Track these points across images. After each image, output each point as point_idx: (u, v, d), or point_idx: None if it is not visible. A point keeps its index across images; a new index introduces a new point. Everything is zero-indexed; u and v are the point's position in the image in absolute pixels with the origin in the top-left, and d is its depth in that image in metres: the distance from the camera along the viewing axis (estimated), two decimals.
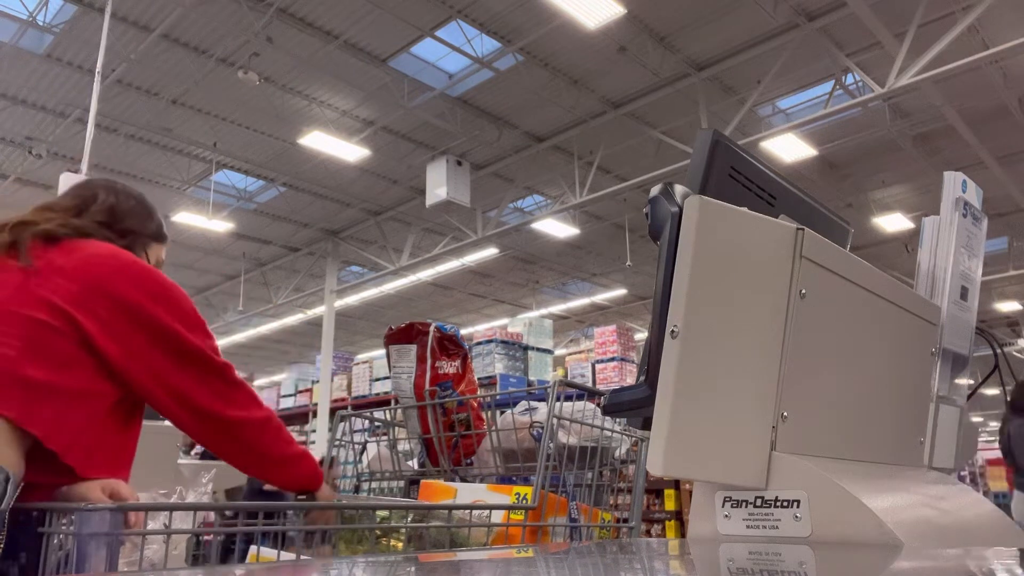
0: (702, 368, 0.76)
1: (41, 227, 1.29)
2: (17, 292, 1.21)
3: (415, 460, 1.85)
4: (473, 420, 1.71)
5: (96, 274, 1.26)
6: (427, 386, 1.70)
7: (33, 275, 1.23)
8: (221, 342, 18.59)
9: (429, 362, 1.72)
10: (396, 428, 1.90)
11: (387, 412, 1.93)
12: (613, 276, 15.75)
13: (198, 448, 4.39)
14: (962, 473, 9.99)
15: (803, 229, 0.82)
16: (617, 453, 1.66)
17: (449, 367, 1.73)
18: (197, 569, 1.07)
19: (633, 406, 0.89)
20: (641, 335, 12.88)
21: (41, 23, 7.94)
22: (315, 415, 11.53)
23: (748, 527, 0.79)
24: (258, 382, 14.73)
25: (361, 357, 12.26)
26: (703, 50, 8.53)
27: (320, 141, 9.84)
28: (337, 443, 1.91)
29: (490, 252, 13.93)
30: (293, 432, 13.11)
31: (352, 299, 16.32)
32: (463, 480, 1.67)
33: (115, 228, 1.41)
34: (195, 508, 1.08)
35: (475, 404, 1.73)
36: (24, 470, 1.13)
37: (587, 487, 1.59)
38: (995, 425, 23.48)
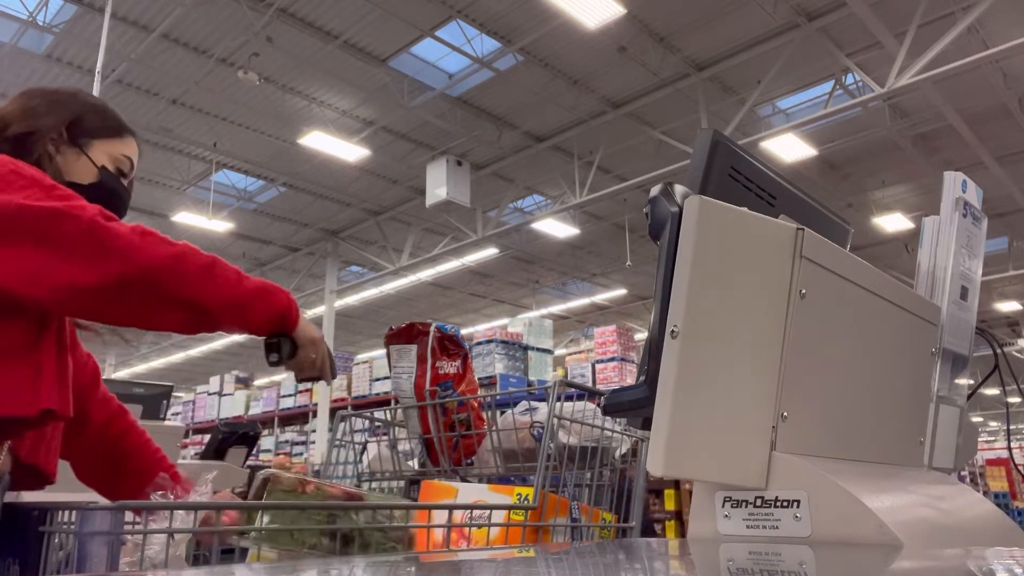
0: (702, 368, 0.76)
1: None
2: None
3: (415, 460, 1.85)
4: (473, 420, 1.71)
5: None
6: (427, 386, 1.70)
7: None
8: (221, 342, 18.59)
9: (429, 362, 1.72)
10: (396, 428, 1.90)
11: (387, 412, 1.93)
12: (613, 276, 15.75)
13: (197, 449, 4.40)
14: (962, 473, 9.99)
15: (803, 229, 0.82)
16: (618, 453, 1.66)
17: (449, 367, 1.73)
18: (197, 569, 1.07)
19: (633, 406, 0.89)
20: (641, 335, 12.88)
21: (41, 23, 7.95)
22: (315, 415, 11.53)
23: (748, 527, 0.79)
24: (258, 382, 14.72)
25: (361, 357, 12.26)
26: (703, 50, 8.53)
27: (320, 141, 9.84)
28: (337, 443, 1.91)
29: (490, 252, 13.93)
30: (292, 432, 13.09)
31: (352, 299, 16.32)
32: (464, 480, 1.67)
33: (6, 140, 1.18)
34: (195, 507, 1.08)
35: (475, 404, 1.73)
36: (9, 466, 1.09)
37: (588, 487, 1.59)
38: (995, 425, 23.47)
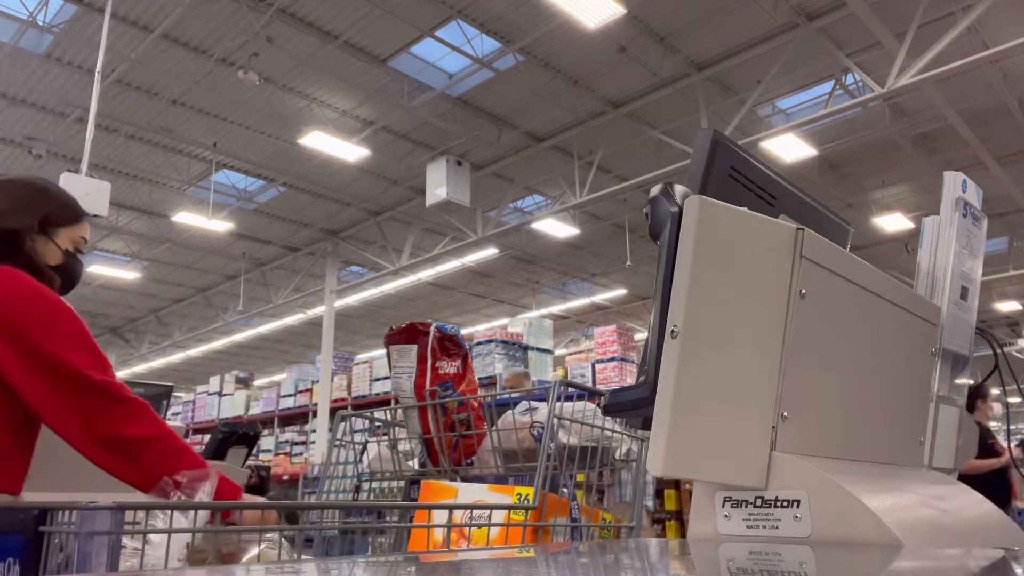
0: (702, 368, 0.76)
1: None
2: None
3: (415, 460, 1.85)
4: (474, 420, 1.71)
5: None
6: (428, 386, 1.70)
7: None
8: (221, 342, 18.68)
9: (429, 362, 1.72)
10: (396, 428, 1.90)
11: (387, 412, 1.93)
12: (613, 276, 15.75)
13: (198, 449, 4.40)
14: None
15: (803, 229, 0.82)
16: (618, 453, 1.66)
17: (450, 367, 1.73)
18: (197, 569, 1.07)
19: (633, 406, 0.89)
20: (641, 335, 12.89)
21: (41, 23, 7.94)
22: (315, 415, 11.53)
23: (748, 527, 0.79)
24: (258, 382, 14.72)
25: (361, 357, 12.26)
26: (703, 50, 8.53)
27: (320, 141, 9.84)
28: (337, 443, 1.91)
29: (490, 252, 13.93)
30: (292, 432, 13.10)
31: (352, 299, 16.32)
32: (464, 480, 1.67)
33: None
34: (195, 507, 1.08)
35: (475, 404, 1.73)
36: None
37: (588, 487, 1.59)
38: (995, 425, 23.47)
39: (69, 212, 1.61)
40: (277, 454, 12.14)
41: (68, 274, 1.59)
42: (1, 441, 1.38)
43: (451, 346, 1.75)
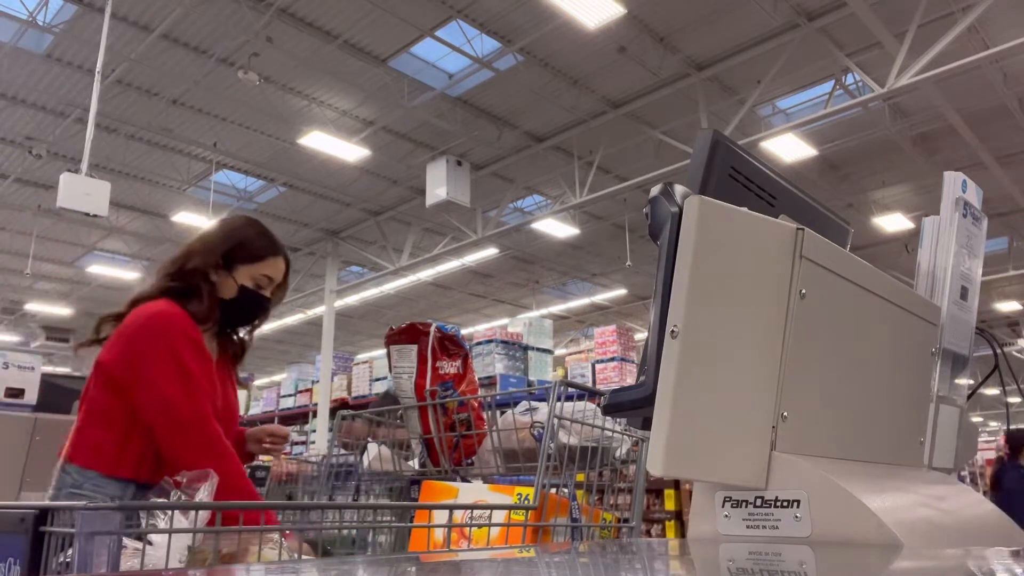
0: (702, 368, 0.76)
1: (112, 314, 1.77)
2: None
3: (415, 460, 1.85)
4: (474, 420, 1.71)
5: (123, 332, 1.68)
6: (428, 386, 1.70)
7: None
8: None
9: (430, 362, 1.72)
10: (396, 428, 1.90)
11: (387, 412, 1.93)
12: (613, 276, 15.75)
13: None
14: (962, 473, 9.99)
15: (803, 229, 0.82)
16: (618, 453, 1.66)
17: (450, 367, 1.73)
18: (197, 569, 1.07)
19: (633, 406, 0.89)
20: (641, 335, 12.88)
21: (41, 23, 7.94)
22: (315, 415, 11.52)
23: (748, 527, 0.79)
24: (258, 382, 14.72)
25: (361, 357, 12.25)
26: (703, 50, 8.53)
27: (320, 141, 9.83)
28: (338, 443, 1.91)
29: (490, 252, 13.93)
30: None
31: (352, 299, 16.31)
32: (464, 480, 1.67)
33: (179, 276, 1.75)
34: (196, 507, 1.08)
35: (475, 404, 1.73)
36: None
37: (588, 487, 1.59)
38: (995, 425, 23.46)
39: (248, 251, 1.80)
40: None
41: (240, 307, 1.80)
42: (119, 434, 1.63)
43: (451, 346, 1.76)
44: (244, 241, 1.81)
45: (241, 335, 1.90)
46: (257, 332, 1.93)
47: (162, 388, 1.61)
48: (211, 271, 1.76)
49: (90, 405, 1.68)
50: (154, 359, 1.63)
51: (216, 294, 1.76)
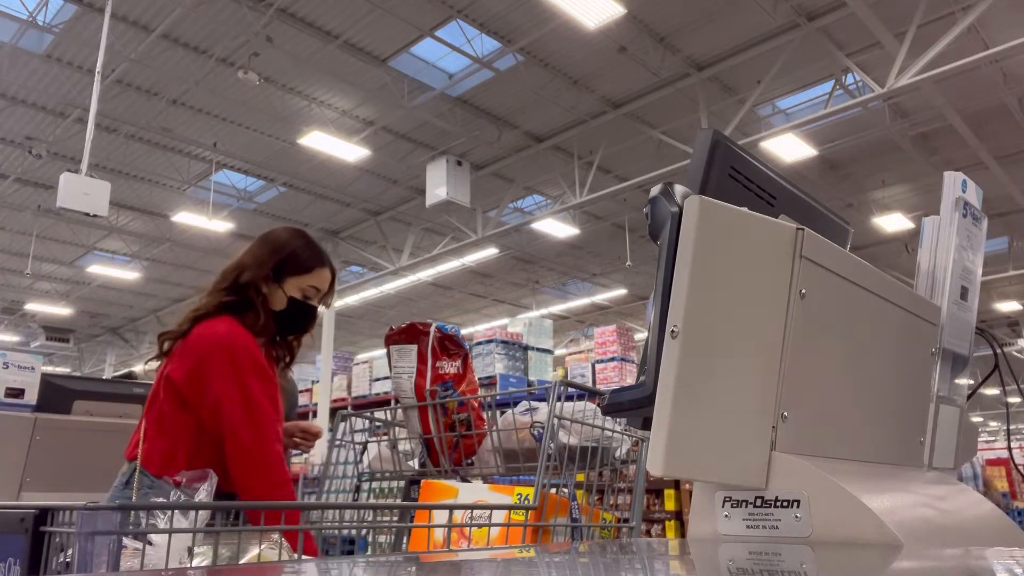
0: (702, 368, 0.76)
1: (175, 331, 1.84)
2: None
3: (415, 460, 1.85)
4: (474, 420, 1.71)
5: (193, 350, 1.76)
6: (428, 386, 1.70)
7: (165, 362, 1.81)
8: None
9: (430, 362, 1.72)
10: (396, 428, 1.90)
11: (387, 412, 1.93)
12: (613, 276, 15.75)
13: None
14: (963, 474, 9.98)
15: (803, 229, 0.82)
16: (618, 453, 1.66)
17: (450, 367, 1.73)
18: (197, 569, 1.07)
19: (633, 406, 0.89)
20: (641, 335, 12.88)
21: (41, 23, 7.95)
22: (315, 415, 11.52)
23: (748, 527, 0.79)
24: None
25: (361, 357, 12.25)
26: (703, 50, 8.53)
27: (320, 141, 9.83)
28: (337, 443, 1.91)
29: (490, 252, 13.93)
30: None
31: (352, 299, 16.31)
32: (464, 480, 1.67)
33: (233, 290, 1.83)
34: (196, 507, 1.08)
35: (476, 404, 1.73)
36: None
37: (588, 487, 1.59)
38: (995, 425, 23.46)
39: (303, 262, 1.88)
40: None
41: (290, 317, 1.88)
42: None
43: (451, 346, 1.75)
44: (293, 253, 1.89)
45: (290, 342, 1.98)
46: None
47: (228, 412, 1.69)
48: (262, 283, 1.85)
49: (160, 416, 1.76)
50: (221, 382, 1.70)
51: (269, 306, 1.85)
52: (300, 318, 1.91)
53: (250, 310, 1.81)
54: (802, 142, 9.60)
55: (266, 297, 1.85)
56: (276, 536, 1.29)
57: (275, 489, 1.68)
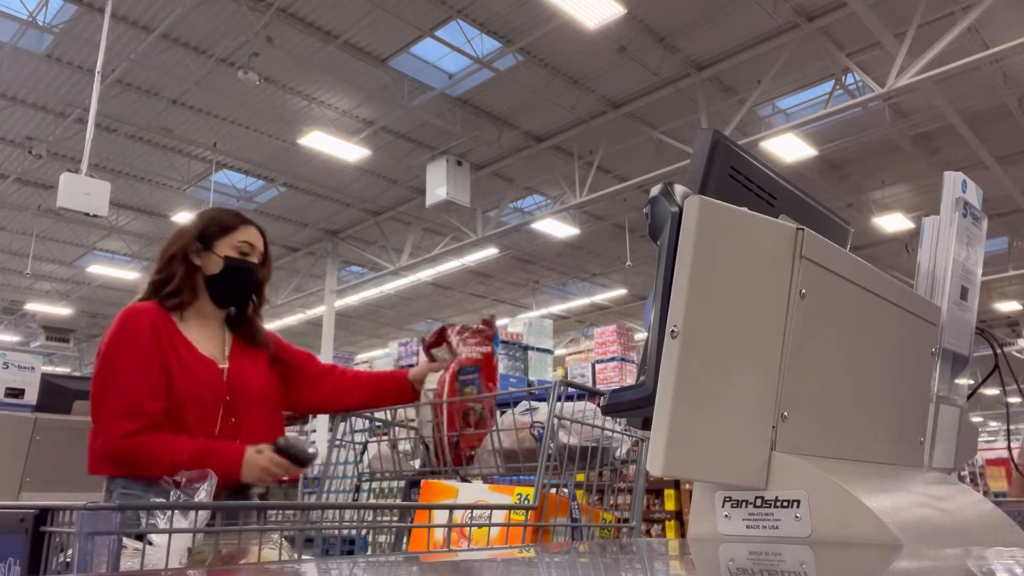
0: (702, 368, 0.76)
1: None
2: None
3: (415, 460, 1.85)
4: (486, 415, 1.73)
5: None
6: (452, 369, 1.74)
7: None
8: None
9: (455, 344, 1.80)
10: (396, 428, 1.90)
11: (387, 412, 1.93)
12: (613, 276, 15.75)
13: None
14: (962, 473, 9.98)
15: (803, 229, 0.82)
16: (618, 453, 1.66)
17: (475, 352, 1.78)
18: (197, 569, 1.07)
19: (633, 406, 0.89)
20: (641, 335, 12.88)
21: (41, 23, 7.94)
22: (315, 415, 11.52)
23: (748, 527, 0.79)
24: None
25: (361, 357, 12.25)
26: (703, 50, 8.53)
27: (320, 141, 9.83)
28: (337, 443, 1.91)
29: (490, 252, 13.93)
30: (293, 431, 13.29)
31: (352, 299, 16.32)
32: (464, 480, 1.67)
33: (161, 268, 1.82)
34: (196, 507, 1.08)
35: (489, 405, 1.75)
36: None
37: (588, 487, 1.59)
38: (995, 425, 23.46)
39: (219, 225, 1.85)
40: None
41: (232, 275, 1.84)
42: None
43: (479, 335, 1.80)
44: (213, 218, 1.88)
45: (250, 318, 1.92)
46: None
47: (92, 388, 1.69)
48: (192, 255, 1.83)
49: None
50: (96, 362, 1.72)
51: (195, 272, 1.83)
52: (239, 276, 1.85)
53: (170, 280, 1.81)
54: (802, 142, 9.60)
55: (196, 267, 1.83)
56: (276, 536, 1.29)
57: (100, 465, 1.66)
